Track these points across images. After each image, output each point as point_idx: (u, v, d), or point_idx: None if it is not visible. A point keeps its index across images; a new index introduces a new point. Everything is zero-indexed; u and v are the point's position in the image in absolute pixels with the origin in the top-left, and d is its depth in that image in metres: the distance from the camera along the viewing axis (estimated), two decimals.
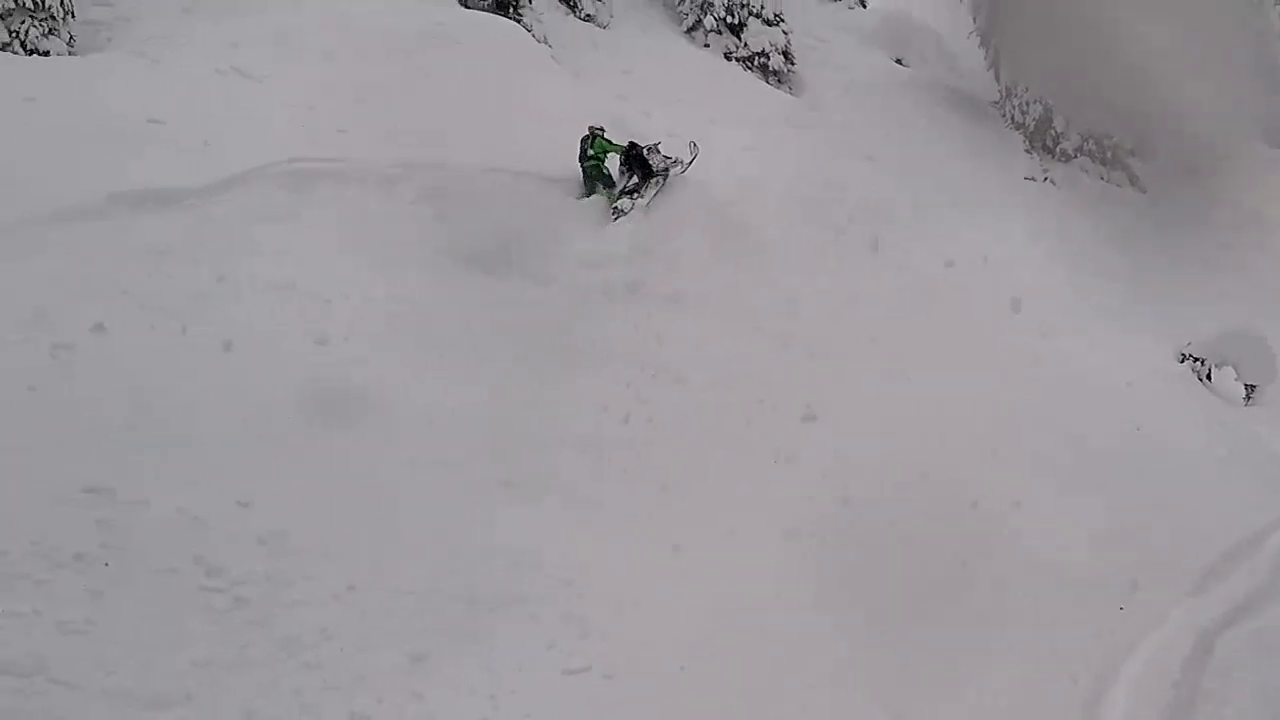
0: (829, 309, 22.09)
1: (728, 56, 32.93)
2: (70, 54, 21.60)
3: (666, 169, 22.97)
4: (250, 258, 17.52)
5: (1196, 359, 25.73)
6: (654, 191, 22.73)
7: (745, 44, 32.89)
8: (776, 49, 32.95)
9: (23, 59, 20.91)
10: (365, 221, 19.06)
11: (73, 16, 21.95)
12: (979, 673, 14.71)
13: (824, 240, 24.45)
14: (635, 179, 22.75)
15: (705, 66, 31.93)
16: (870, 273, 24.12)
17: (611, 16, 31.75)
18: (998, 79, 34.79)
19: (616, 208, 22.30)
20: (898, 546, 15.90)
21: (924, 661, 14.52)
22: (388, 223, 19.11)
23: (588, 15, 31.20)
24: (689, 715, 13.12)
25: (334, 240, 18.49)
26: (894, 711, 13.93)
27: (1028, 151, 33.35)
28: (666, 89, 28.70)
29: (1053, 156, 33.48)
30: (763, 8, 33.04)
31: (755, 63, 32.88)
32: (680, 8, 33.49)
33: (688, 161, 23.27)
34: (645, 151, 22.84)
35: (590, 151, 22.56)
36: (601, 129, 22.83)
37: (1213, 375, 25.60)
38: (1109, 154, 33.59)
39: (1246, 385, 25.49)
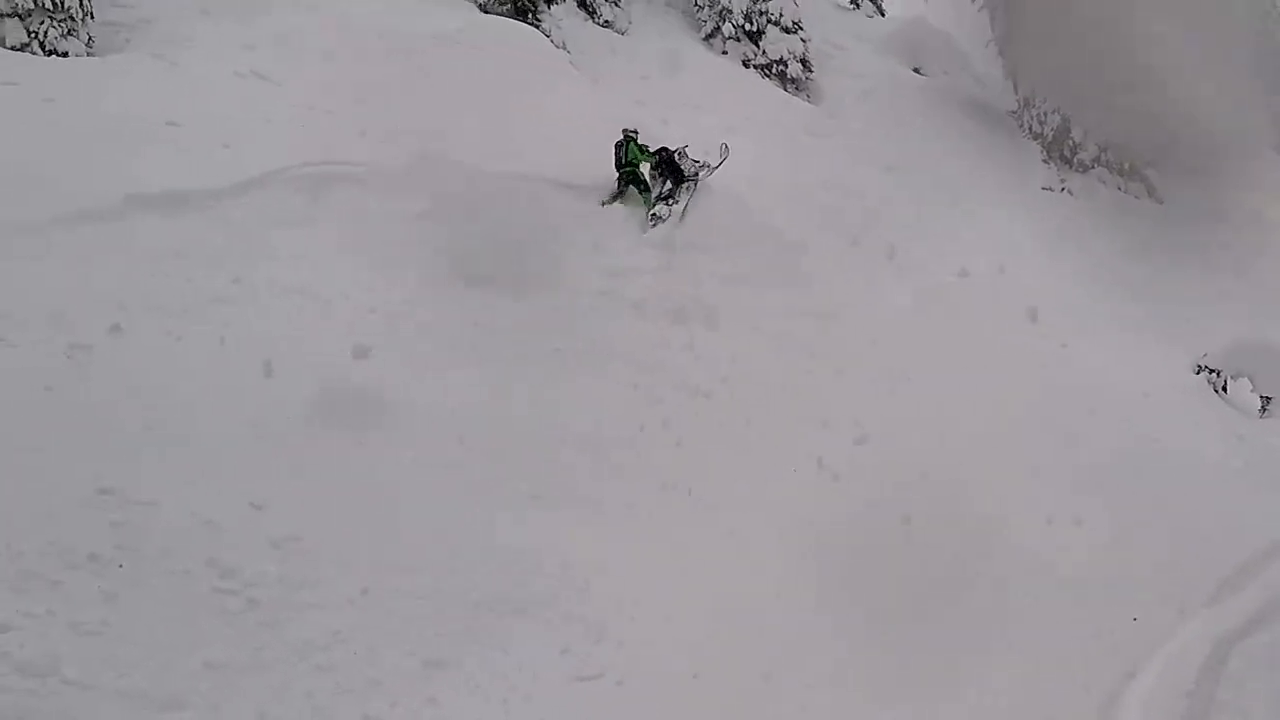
0: (839, 315, 22.08)
1: (746, 64, 32.86)
2: (89, 55, 21.62)
3: (697, 173, 22.98)
4: (267, 261, 17.54)
5: (1212, 370, 25.61)
6: (689, 196, 22.74)
7: (763, 51, 32.82)
8: (795, 56, 32.90)
9: (42, 59, 20.94)
10: (382, 226, 19.05)
11: (92, 18, 21.98)
12: (979, 673, 14.70)
13: (840, 248, 24.42)
14: (669, 184, 22.76)
15: (723, 73, 31.91)
16: (884, 281, 24.10)
17: (630, 23, 31.74)
18: (1015, 88, 34.70)
19: (654, 214, 22.35)
20: (899, 547, 15.93)
21: (924, 661, 14.51)
22: (405, 228, 19.09)
23: (606, 21, 31.19)
24: None
25: (351, 245, 18.49)
26: (894, 712, 13.92)
27: (1045, 161, 33.19)
28: (684, 96, 28.67)
29: (1070, 167, 33.31)
30: (781, 15, 32.98)
31: (773, 70, 32.81)
32: (699, 15, 33.46)
33: (717, 163, 23.25)
34: (676, 156, 22.86)
35: (625, 159, 22.56)
36: (635, 132, 22.84)
37: (1229, 387, 25.49)
38: (1126, 164, 33.47)
39: (1263, 397, 25.35)
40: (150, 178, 17.82)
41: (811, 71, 33.29)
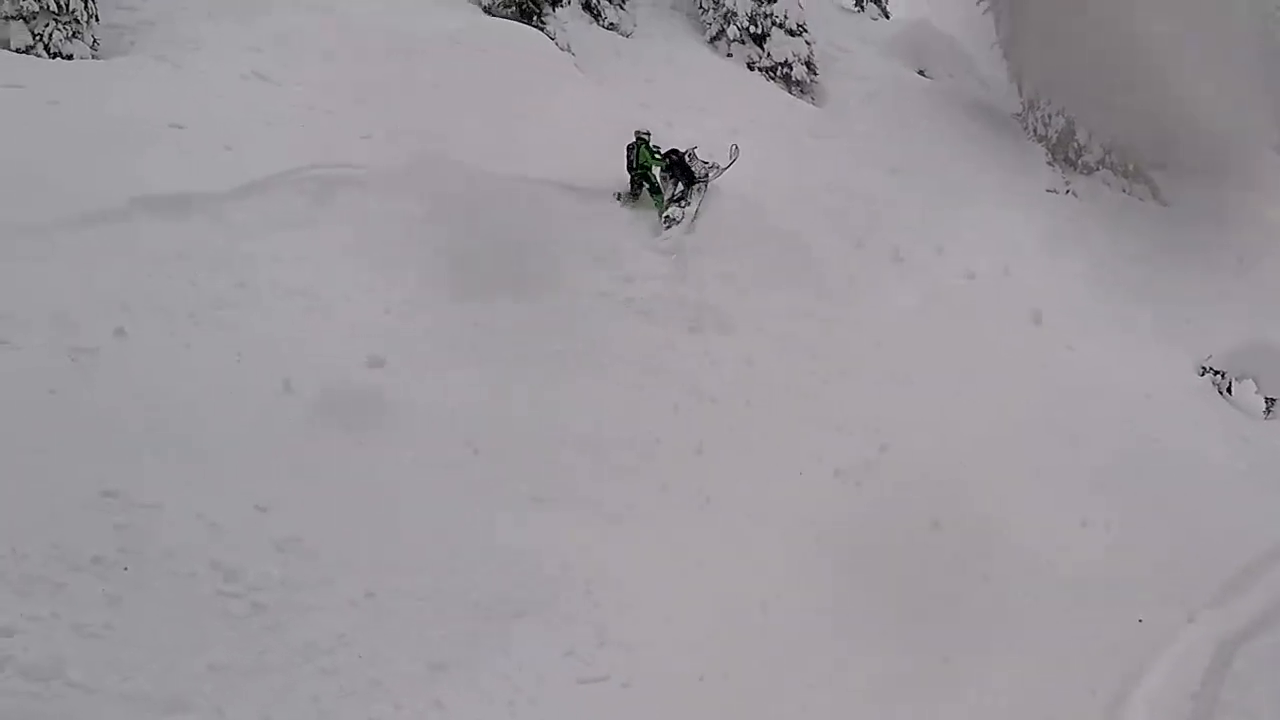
0: (843, 317, 22.11)
1: (750, 66, 32.81)
2: (93, 58, 21.60)
3: (707, 174, 23.05)
4: (270, 264, 17.56)
5: (1217, 371, 25.58)
6: (700, 198, 22.82)
7: (768, 54, 32.77)
8: (799, 59, 32.85)
9: (46, 62, 20.94)
10: (385, 228, 19.04)
11: (96, 20, 21.97)
12: (979, 673, 14.68)
13: (845, 250, 24.43)
14: (680, 186, 22.80)
15: (728, 76, 31.90)
16: (889, 282, 24.12)
17: (634, 25, 31.71)
18: (1020, 91, 34.69)
19: (668, 216, 22.43)
20: (900, 547, 15.91)
21: (924, 661, 14.50)
22: (407, 229, 19.06)
23: (611, 24, 31.18)
24: None
25: (354, 247, 18.50)
26: (894, 712, 13.94)
27: (1049, 163, 33.17)
28: (689, 98, 28.67)
29: (1074, 168, 33.30)
30: (786, 18, 32.95)
31: (778, 73, 32.77)
32: (703, 17, 33.43)
33: (727, 164, 23.32)
34: (686, 158, 22.90)
35: (636, 162, 22.61)
36: (648, 134, 22.90)
37: (1233, 388, 25.48)
38: (1130, 166, 33.46)
39: (1267, 398, 25.33)
40: (154, 180, 17.83)
41: (816, 74, 33.25)
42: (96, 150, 17.92)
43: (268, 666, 12.16)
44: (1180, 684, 15.27)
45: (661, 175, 22.84)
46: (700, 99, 28.89)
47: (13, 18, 21.09)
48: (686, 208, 22.55)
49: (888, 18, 40.17)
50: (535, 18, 28.00)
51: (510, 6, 27.96)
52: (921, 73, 36.74)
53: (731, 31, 32.83)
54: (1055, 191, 32.27)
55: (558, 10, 28.80)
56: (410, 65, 23.06)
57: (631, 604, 14.49)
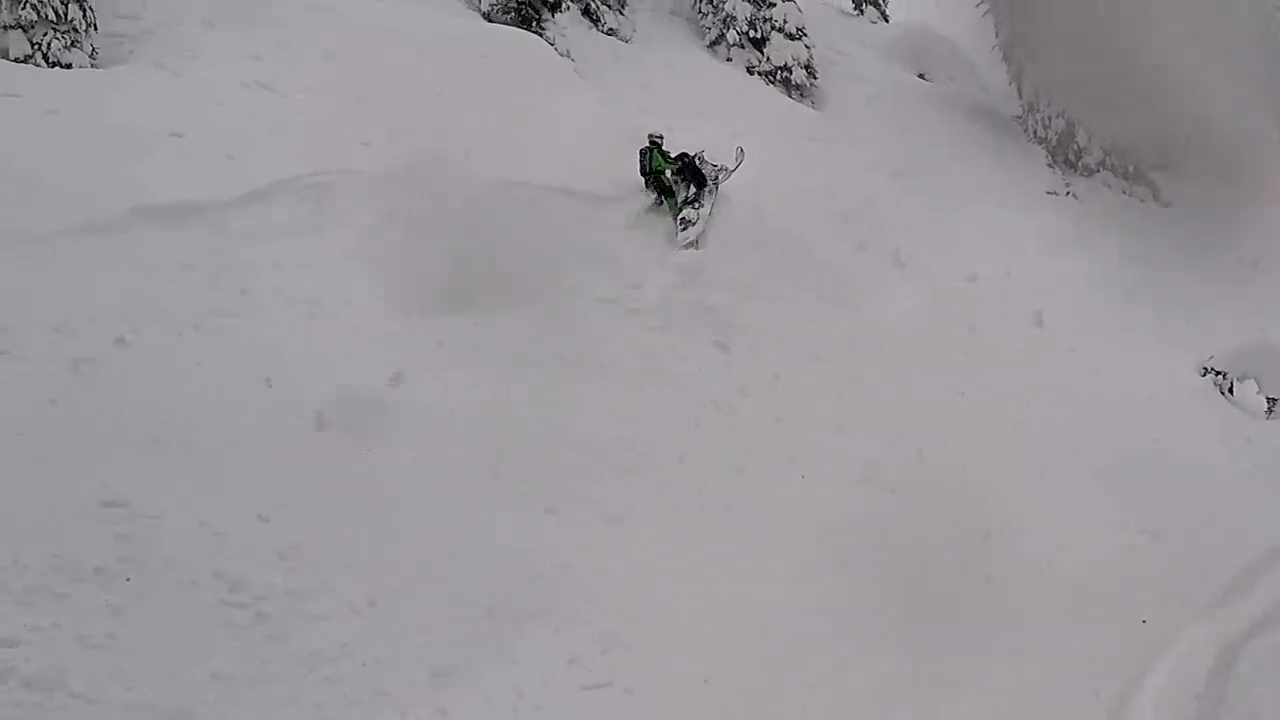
0: (845, 319, 22.13)
1: (750, 71, 32.78)
2: (93, 66, 21.55)
3: (717, 177, 23.15)
4: (272, 271, 17.53)
5: (1218, 372, 25.57)
6: (712, 200, 22.94)
7: (768, 58, 32.74)
8: (799, 63, 32.82)
9: (45, 71, 20.90)
10: (386, 233, 19.00)
11: (95, 29, 21.92)
12: (980, 673, 14.70)
13: (847, 253, 24.46)
14: (692, 189, 22.87)
15: (728, 80, 31.89)
16: (891, 285, 24.15)
17: (634, 31, 31.71)
18: (1020, 93, 34.71)
19: (683, 219, 22.52)
20: (902, 548, 15.91)
21: (925, 662, 14.52)
22: (408, 234, 19.02)
23: (610, 29, 31.15)
24: None
25: (355, 252, 18.47)
26: (895, 712, 13.96)
27: (1050, 166, 33.20)
28: (689, 103, 28.67)
29: (1075, 171, 33.34)
30: (785, 22, 32.94)
31: (778, 77, 32.74)
32: (703, 22, 33.42)
33: (734, 167, 23.48)
34: (697, 161, 22.98)
35: (650, 166, 22.73)
36: (660, 138, 23.05)
37: (1235, 388, 25.47)
38: (1131, 167, 33.48)
39: (1269, 399, 25.33)
40: (155, 189, 17.82)
41: (816, 78, 33.20)
42: (96, 159, 17.90)
43: (271, 675, 12.17)
44: (1184, 685, 15.27)
45: (674, 179, 22.88)
46: (700, 104, 28.88)
47: (11, 27, 21.06)
48: (700, 209, 22.64)
49: (887, 21, 40.15)
50: (534, 23, 27.98)
51: (509, 12, 27.95)
52: (921, 76, 36.75)
53: (731, 36, 32.79)
54: (1056, 193, 32.31)
55: (557, 16, 28.79)
56: (410, 71, 23.05)
57: (632, 605, 14.54)
